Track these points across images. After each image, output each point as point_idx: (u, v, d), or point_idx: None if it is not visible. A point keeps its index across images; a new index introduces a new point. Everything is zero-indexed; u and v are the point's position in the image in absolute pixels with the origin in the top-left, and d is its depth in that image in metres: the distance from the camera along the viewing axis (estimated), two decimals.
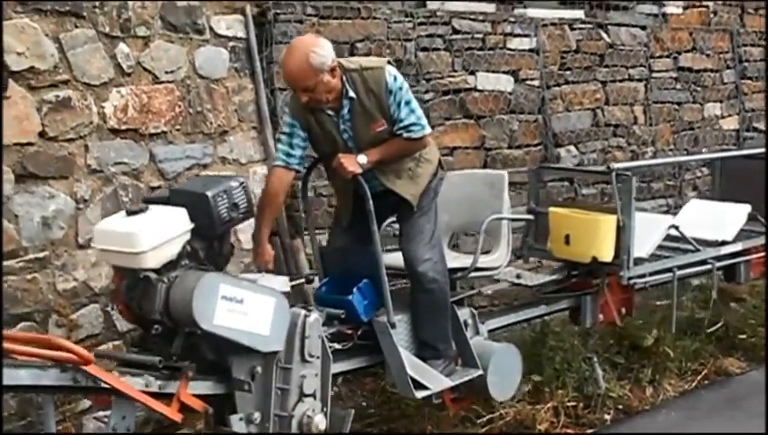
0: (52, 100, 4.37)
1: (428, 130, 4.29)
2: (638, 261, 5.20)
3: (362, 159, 4.13)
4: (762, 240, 5.87)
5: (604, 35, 6.99)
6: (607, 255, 4.99)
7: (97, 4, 4.55)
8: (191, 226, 3.74)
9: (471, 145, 6.23)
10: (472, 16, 6.25)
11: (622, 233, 4.99)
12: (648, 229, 5.37)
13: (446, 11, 6.12)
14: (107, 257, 3.76)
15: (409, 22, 5.91)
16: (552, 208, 5.23)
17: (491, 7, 6.41)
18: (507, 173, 5.01)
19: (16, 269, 4.25)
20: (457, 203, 4.89)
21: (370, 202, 4.12)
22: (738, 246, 5.76)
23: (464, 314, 4.62)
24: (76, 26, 4.48)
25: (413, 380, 4.25)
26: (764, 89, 6.83)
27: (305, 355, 3.88)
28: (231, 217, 3.82)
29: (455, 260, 4.69)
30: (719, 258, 5.67)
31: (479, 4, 6.32)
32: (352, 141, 4.21)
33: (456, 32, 6.16)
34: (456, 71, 6.15)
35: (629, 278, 5.10)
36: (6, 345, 3.11)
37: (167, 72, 4.88)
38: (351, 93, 4.13)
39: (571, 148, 6.78)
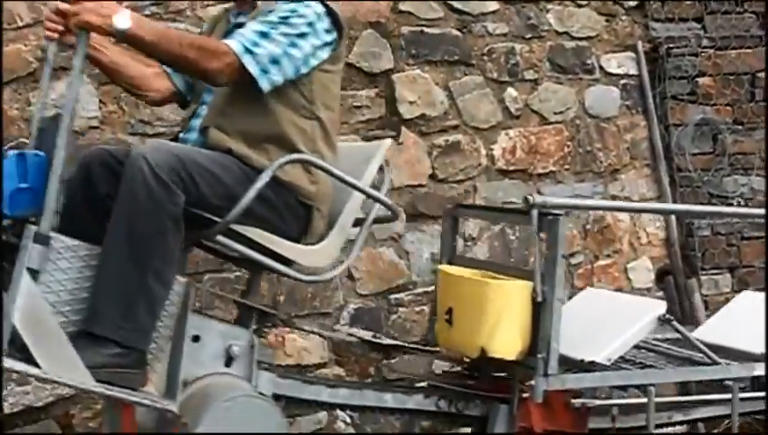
0: (442, 144, 4.64)
1: (261, 79, 2.84)
2: (595, 367, 3.24)
3: (124, 20, 2.64)
4: None
5: None
6: (505, 348, 3.10)
7: (485, 51, 4.78)
8: None
9: None
10: None
11: (541, 312, 3.11)
12: (624, 319, 3.41)
13: None
14: None
15: None
16: (443, 267, 3.51)
17: None
18: (390, 141, 3.48)
19: (406, 302, 4.52)
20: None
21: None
22: None
23: (206, 325, 2.87)
24: (465, 74, 4.73)
25: (20, 343, 2.48)
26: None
27: None
28: None
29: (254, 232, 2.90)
30: (752, 384, 3.52)
31: None
32: None
33: None
34: None
35: (549, 392, 3.14)
36: None
37: (555, 113, 4.98)
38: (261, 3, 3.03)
39: None
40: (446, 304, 3.31)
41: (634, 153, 5.19)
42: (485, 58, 4.79)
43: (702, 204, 5.16)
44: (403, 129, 4.54)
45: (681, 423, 3.74)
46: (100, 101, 3.92)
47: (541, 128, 4.94)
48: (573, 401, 3.28)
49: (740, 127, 5.36)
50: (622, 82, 5.18)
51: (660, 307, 3.42)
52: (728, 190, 5.33)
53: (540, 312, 3.10)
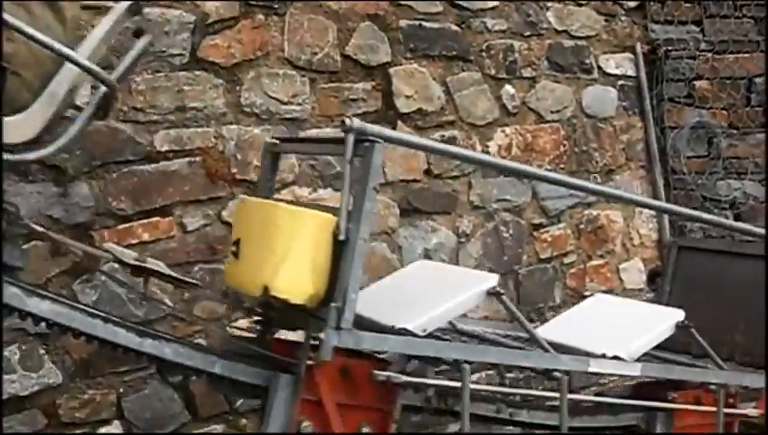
0: (438, 139, 4.59)
1: None
2: (406, 335, 2.76)
3: None
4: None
5: None
6: (291, 287, 2.55)
7: (483, 48, 4.75)
8: None
9: None
10: None
11: (343, 252, 2.58)
12: (450, 290, 2.98)
13: None
14: None
15: None
16: (243, 196, 3.18)
17: None
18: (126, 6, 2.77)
19: None
20: None
21: None
22: (635, 370, 3.19)
23: None
24: (463, 70, 4.70)
25: None
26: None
27: None
28: None
29: None
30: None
31: None
32: None
33: None
34: None
35: (350, 362, 2.70)
36: None
37: (552, 112, 4.96)
38: None
39: None
40: (234, 233, 2.82)
41: (629, 154, 5.18)
42: (484, 54, 4.76)
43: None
44: (399, 123, 4.50)
45: None
46: (92, 87, 3.86)
47: (537, 126, 4.92)
48: (377, 372, 2.73)
49: (735, 131, 5.36)
50: (620, 82, 5.18)
51: (491, 280, 2.99)
52: (722, 194, 5.32)
53: (342, 252, 2.57)
